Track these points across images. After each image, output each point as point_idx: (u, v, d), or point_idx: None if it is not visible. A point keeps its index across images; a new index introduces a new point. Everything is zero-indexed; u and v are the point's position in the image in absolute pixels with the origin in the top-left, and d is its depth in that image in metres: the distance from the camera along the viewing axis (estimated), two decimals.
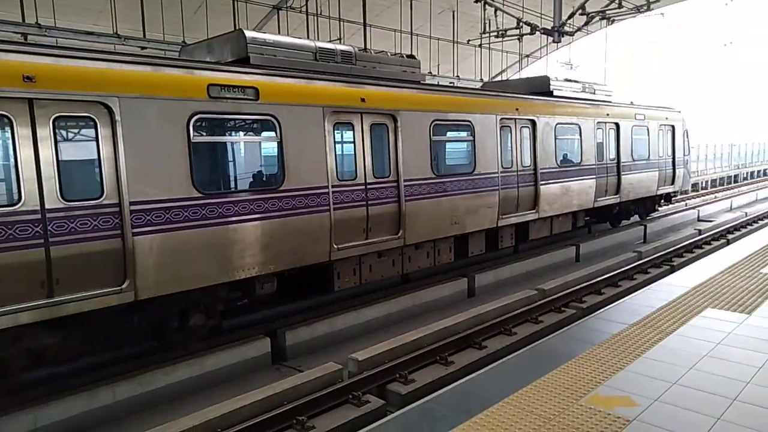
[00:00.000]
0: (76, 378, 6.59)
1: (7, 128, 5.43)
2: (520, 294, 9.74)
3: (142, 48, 14.45)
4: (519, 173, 12.02)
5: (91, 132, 5.95)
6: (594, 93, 15.04)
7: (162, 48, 14.72)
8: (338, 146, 8.54)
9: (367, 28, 16.54)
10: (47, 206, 5.61)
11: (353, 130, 8.72)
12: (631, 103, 16.88)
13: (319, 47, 8.70)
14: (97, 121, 5.94)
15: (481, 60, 26.15)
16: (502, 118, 11.44)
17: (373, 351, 7.00)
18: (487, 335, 8.11)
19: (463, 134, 10.88)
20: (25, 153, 5.49)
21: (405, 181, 9.34)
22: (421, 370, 6.98)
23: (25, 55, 5.47)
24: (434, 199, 9.93)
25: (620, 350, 5.97)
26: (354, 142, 8.74)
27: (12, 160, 5.45)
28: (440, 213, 10.07)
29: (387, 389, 6.52)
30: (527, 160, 12.28)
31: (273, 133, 7.58)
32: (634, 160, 15.99)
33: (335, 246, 8.37)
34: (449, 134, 10.88)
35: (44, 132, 5.58)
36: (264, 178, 7.78)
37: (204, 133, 6.96)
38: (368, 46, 13.81)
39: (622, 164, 15.42)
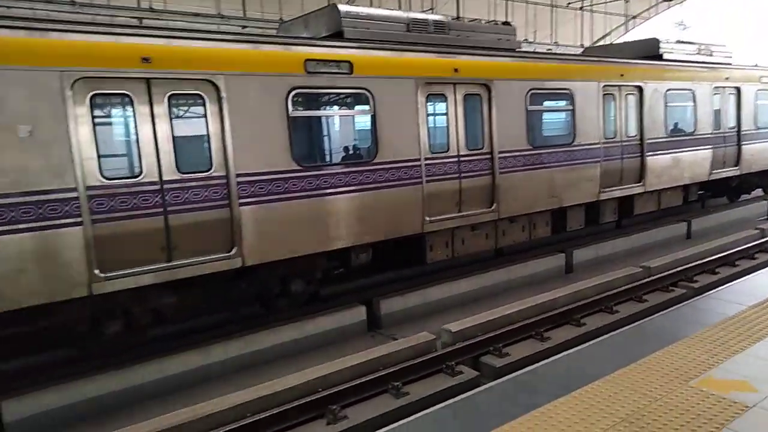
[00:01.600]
0: (193, 335, 7.19)
1: (128, 106, 5.93)
2: (622, 271, 9.24)
3: (243, 27, 15.09)
4: (623, 144, 11.28)
5: (200, 108, 6.34)
6: (711, 55, 13.67)
7: (261, 26, 15.29)
8: (431, 118, 8.48)
9: None
10: (165, 178, 6.10)
11: (446, 101, 8.60)
12: (756, 65, 15.19)
13: (412, 18, 8.61)
14: (205, 97, 6.32)
15: (582, 24, 24.65)
16: (605, 86, 10.75)
17: (467, 323, 6.99)
18: (586, 312, 7.80)
19: (562, 103, 10.37)
20: (145, 129, 5.98)
21: (499, 153, 9.10)
22: (515, 344, 6.87)
23: (141, 38, 5.91)
24: (530, 171, 9.61)
25: (737, 332, 5.51)
26: (447, 114, 8.63)
27: (133, 135, 5.95)
28: (536, 186, 9.74)
29: (480, 361, 6.51)
30: (633, 130, 11.49)
31: (366, 107, 7.67)
32: (758, 128, 14.45)
33: (427, 218, 8.38)
34: (546, 104, 10.41)
35: (160, 109, 6.04)
36: (358, 151, 7.92)
37: (301, 108, 7.19)
38: (461, 15, 13.47)
39: (743, 133, 13.99)
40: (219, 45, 6.38)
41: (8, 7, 13.10)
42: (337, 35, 7.86)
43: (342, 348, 7.22)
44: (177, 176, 6.17)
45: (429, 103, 8.41)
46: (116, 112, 6.07)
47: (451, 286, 9.06)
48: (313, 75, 7.07)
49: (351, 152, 7.87)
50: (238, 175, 6.52)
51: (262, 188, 6.73)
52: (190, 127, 6.45)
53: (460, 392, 5.04)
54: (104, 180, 5.75)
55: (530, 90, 9.49)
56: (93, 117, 5.68)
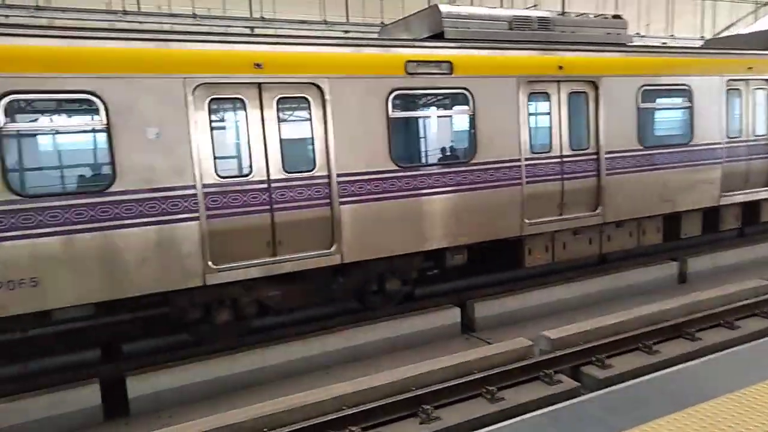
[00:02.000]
0: (293, 327, 7.53)
1: (240, 110, 6.33)
2: (745, 283, 8.40)
3: (346, 32, 15.57)
4: (750, 144, 10.26)
5: (305, 111, 6.62)
6: None
7: (363, 30, 15.70)
8: (532, 117, 8.24)
9: None
10: (272, 177, 6.44)
11: (549, 99, 8.31)
12: None
13: (514, 16, 8.42)
14: (310, 100, 6.59)
15: (703, 15, 22.72)
16: (729, 80, 9.84)
17: (567, 331, 6.71)
18: (702, 326, 7.18)
19: (678, 100, 9.62)
20: (255, 131, 6.36)
21: (606, 153, 8.64)
22: (620, 356, 6.49)
23: (254, 45, 6.29)
24: (640, 173, 9.02)
25: None
26: (550, 113, 8.34)
27: (245, 137, 6.35)
28: (647, 189, 9.12)
29: (581, 372, 6.22)
30: (762, 128, 10.41)
31: (465, 107, 7.60)
32: None
33: (526, 221, 8.14)
34: (660, 101, 9.71)
35: (270, 112, 6.39)
36: (456, 152, 7.88)
37: (401, 109, 7.29)
38: (567, 10, 12.93)
39: None
40: (323, 50, 6.64)
41: (139, 22, 14.49)
42: (439, 36, 7.87)
43: (435, 349, 7.21)
44: (283, 175, 6.50)
45: (531, 102, 8.17)
46: (230, 115, 6.51)
47: (551, 292, 8.74)
48: (413, 76, 7.14)
49: (449, 152, 7.86)
50: (338, 175, 6.74)
51: (361, 188, 6.91)
52: (296, 128, 6.76)
53: (557, 401, 4.86)
54: (219, 178, 6.19)
55: (642, 86, 8.91)
56: (210, 120, 6.13)
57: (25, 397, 5.68)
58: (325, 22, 16.10)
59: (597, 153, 8.59)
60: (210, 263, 6.16)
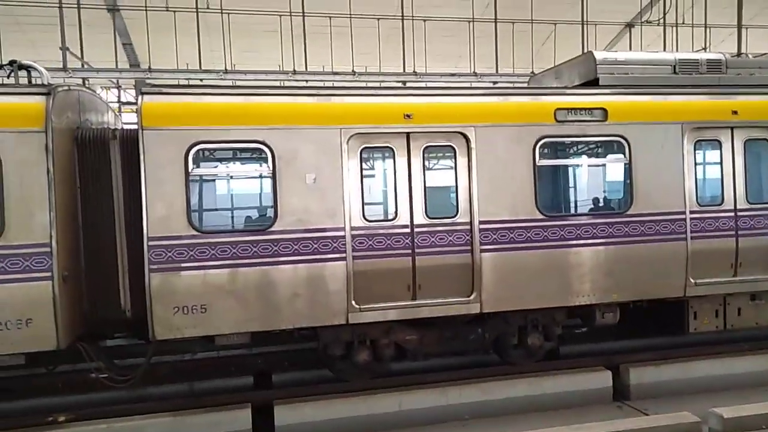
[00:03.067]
0: (430, 374, 7.47)
1: (389, 159, 6.64)
2: None
3: (494, 83, 15.76)
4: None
5: (450, 160, 6.76)
6: None
7: (512, 81, 15.76)
8: (699, 167, 7.50)
9: (742, 29, 14.09)
10: (415, 222, 6.61)
11: (720, 147, 7.52)
12: None
13: (680, 59, 7.85)
14: (456, 148, 6.72)
15: None
16: None
17: (745, 410, 5.78)
18: None
19: None
20: (402, 178, 6.62)
21: None
22: None
23: (404, 97, 6.64)
24: None
25: None
26: (721, 162, 7.53)
27: (392, 184, 6.64)
28: None
29: None
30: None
31: (621, 155, 7.18)
32: None
33: (692, 280, 7.30)
34: None
35: (417, 160, 6.64)
36: (609, 202, 7.43)
37: (549, 157, 7.12)
38: (744, 51, 11.77)
39: None
40: (469, 100, 6.78)
41: (306, 80, 16.10)
42: (593, 83, 7.61)
43: (582, 414, 6.65)
44: (425, 221, 6.64)
45: (698, 150, 7.47)
46: (379, 163, 6.87)
47: (723, 364, 7.63)
48: (563, 123, 6.95)
49: (601, 202, 7.43)
50: (481, 222, 6.71)
51: (504, 236, 6.78)
52: (441, 176, 6.92)
53: None
54: (366, 221, 6.51)
55: None
56: (361, 167, 6.53)
57: (189, 414, 6.26)
58: (475, 74, 16.46)
59: None
60: (353, 302, 6.43)
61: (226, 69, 15.83)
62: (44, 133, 5.71)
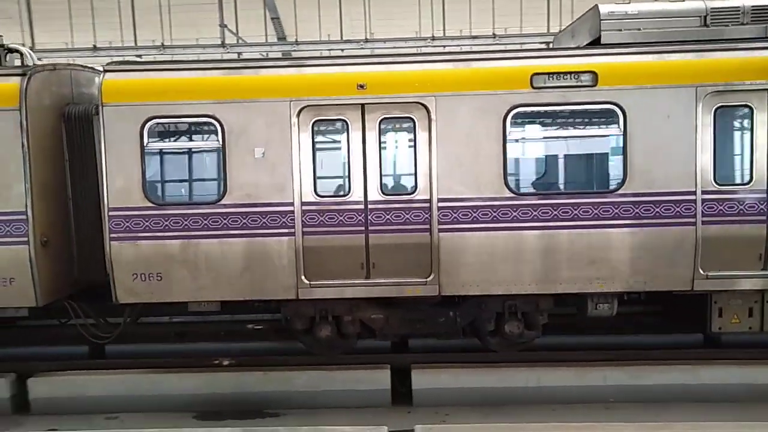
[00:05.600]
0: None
1: (343, 132, 6.37)
2: None
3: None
4: None
5: (409, 132, 6.32)
6: None
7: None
8: (720, 138, 6.27)
9: None
10: (369, 198, 6.33)
11: (752, 115, 6.21)
12: None
13: (712, 8, 6.53)
14: (416, 120, 6.27)
15: None
16: None
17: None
18: None
19: None
20: (356, 151, 6.33)
21: None
22: None
23: (358, 66, 6.28)
24: None
25: None
26: (752, 132, 6.23)
27: (346, 157, 6.38)
28: None
29: None
30: None
31: (614, 125, 6.21)
32: None
33: (702, 272, 6.24)
34: None
35: (372, 133, 6.30)
36: (597, 179, 6.52)
37: (523, 129, 6.37)
38: None
39: None
40: (429, 66, 6.24)
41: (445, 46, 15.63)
42: (596, 42, 6.65)
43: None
44: (380, 197, 6.32)
45: (719, 120, 6.24)
46: (333, 137, 6.62)
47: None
48: (541, 90, 6.15)
49: (585, 180, 6.54)
50: (440, 200, 6.24)
51: (466, 215, 6.26)
52: (399, 150, 6.53)
53: None
54: (317, 197, 6.35)
55: None
56: (313, 141, 6.34)
57: (334, 370, 6.83)
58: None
59: None
60: (303, 278, 6.37)
61: (366, 38, 15.98)
62: (18, 111, 6.25)
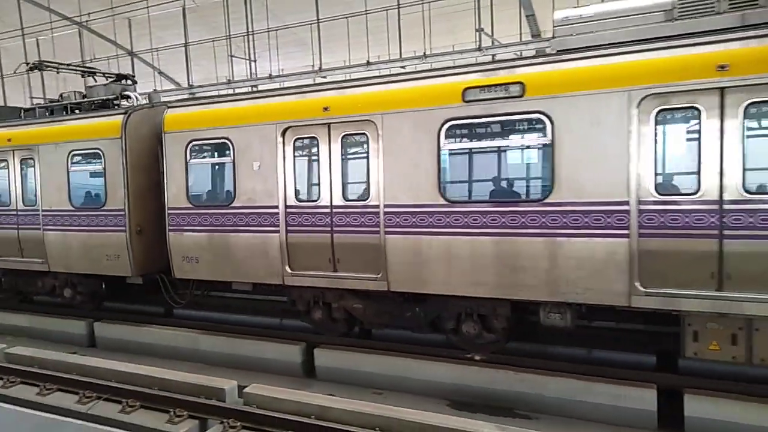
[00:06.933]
0: None
1: (315, 147, 7.58)
2: None
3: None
4: None
5: (364, 146, 7.26)
6: None
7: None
8: (662, 145, 5.75)
9: None
10: (334, 203, 7.48)
11: (699, 118, 5.57)
12: None
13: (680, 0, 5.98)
14: (368, 135, 7.19)
15: None
16: None
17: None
18: None
19: None
20: (324, 163, 7.51)
21: None
22: None
23: (323, 92, 7.46)
24: None
25: None
26: (699, 137, 5.58)
27: (317, 169, 7.60)
28: None
29: None
30: None
31: (541, 134, 6.21)
32: None
33: (640, 288, 5.85)
34: None
35: (336, 147, 7.42)
36: (524, 189, 6.52)
37: (456, 140, 6.75)
38: None
39: None
40: (377, 88, 7.09)
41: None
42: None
43: None
44: (343, 203, 7.41)
45: (660, 124, 5.75)
46: (307, 151, 7.85)
47: None
48: (471, 104, 6.50)
49: (512, 189, 6.56)
50: (386, 206, 7.05)
51: (406, 220, 6.95)
52: (357, 162, 7.48)
53: None
54: (297, 201, 7.73)
55: None
56: (294, 155, 7.74)
57: (593, 381, 6.44)
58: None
59: None
60: (287, 268, 7.84)
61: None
62: (120, 139, 9.03)
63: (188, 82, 21.58)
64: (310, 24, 18.94)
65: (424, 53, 17.46)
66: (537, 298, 6.40)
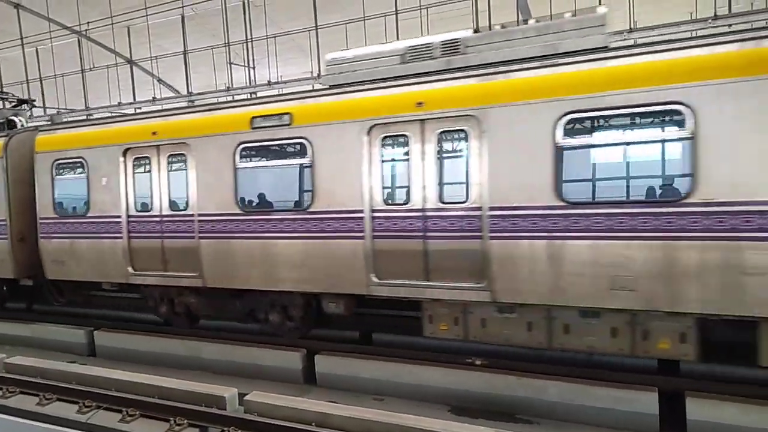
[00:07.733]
0: None
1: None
2: None
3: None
4: None
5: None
6: None
7: None
8: (385, 166, 7.18)
9: None
10: (163, 213, 8.83)
11: (407, 143, 6.98)
12: None
13: (409, 47, 7.39)
14: (187, 156, 8.56)
15: None
16: None
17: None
18: None
19: None
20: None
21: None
22: None
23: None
24: None
25: None
26: (408, 158, 7.00)
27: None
28: None
29: None
30: None
31: (305, 156, 7.55)
32: None
33: (374, 279, 7.22)
34: None
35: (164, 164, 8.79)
36: (297, 199, 7.91)
37: (247, 160, 8.13)
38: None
39: None
40: (189, 116, 8.46)
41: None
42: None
43: None
44: (169, 212, 8.78)
45: (385, 149, 7.17)
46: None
47: None
48: (256, 130, 7.87)
49: (287, 199, 8.04)
50: (199, 215, 8.41)
51: (213, 227, 8.30)
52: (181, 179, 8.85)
53: None
54: (136, 212, 9.09)
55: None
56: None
57: (593, 384, 6.37)
58: None
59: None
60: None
61: (630, 28, 15.00)
62: (2, 159, 10.37)
63: (187, 90, 21.40)
64: (309, 30, 18.91)
65: None
66: (312, 290, 7.75)
